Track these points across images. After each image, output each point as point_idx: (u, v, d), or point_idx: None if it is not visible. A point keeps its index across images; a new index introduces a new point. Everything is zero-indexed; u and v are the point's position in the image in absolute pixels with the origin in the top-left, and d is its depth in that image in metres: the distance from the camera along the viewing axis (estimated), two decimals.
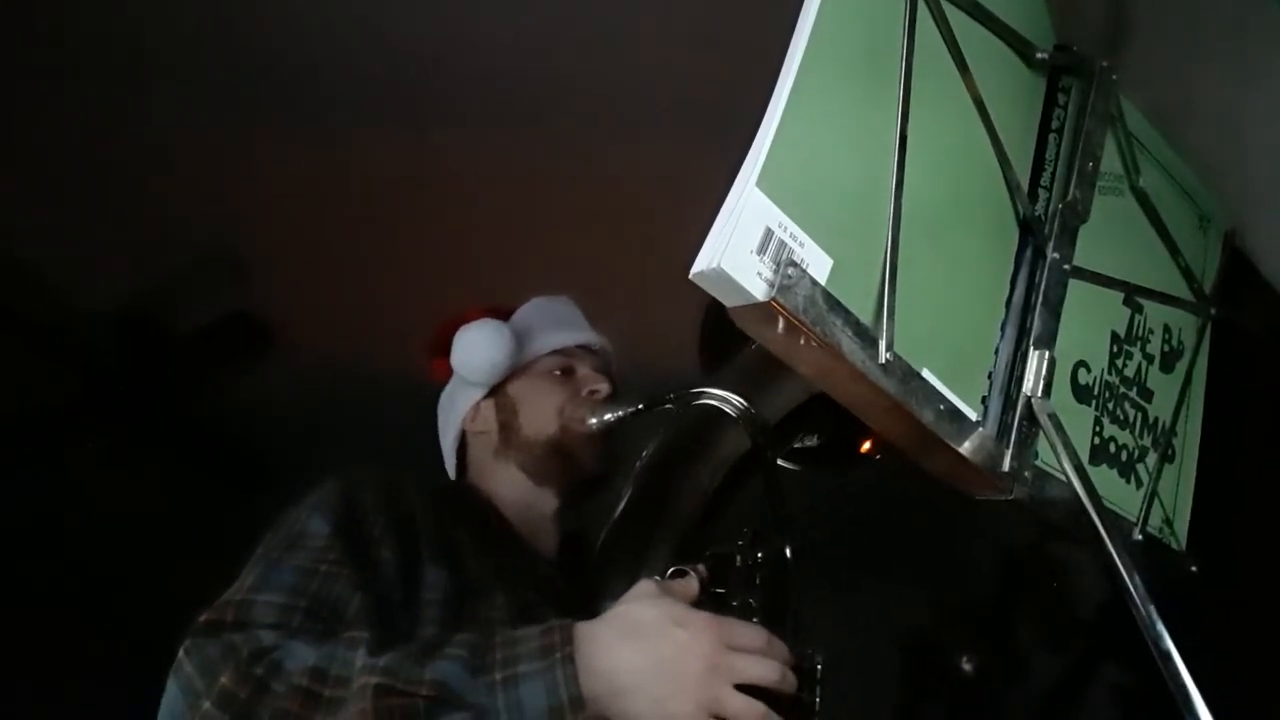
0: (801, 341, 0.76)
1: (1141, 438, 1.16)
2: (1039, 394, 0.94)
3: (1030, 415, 0.94)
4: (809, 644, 1.00)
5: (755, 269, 0.72)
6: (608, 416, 1.20)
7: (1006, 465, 0.93)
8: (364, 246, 2.35)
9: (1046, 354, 0.95)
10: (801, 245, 0.75)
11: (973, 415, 0.91)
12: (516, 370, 1.29)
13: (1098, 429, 1.10)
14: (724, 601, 0.99)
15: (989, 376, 0.95)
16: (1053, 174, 1.02)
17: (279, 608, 0.88)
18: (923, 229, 0.85)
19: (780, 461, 1.20)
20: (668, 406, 1.14)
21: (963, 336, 0.93)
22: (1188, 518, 1.23)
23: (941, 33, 0.88)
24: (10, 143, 2.09)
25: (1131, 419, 1.15)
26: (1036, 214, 0.99)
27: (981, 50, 0.92)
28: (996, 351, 0.96)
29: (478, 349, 1.26)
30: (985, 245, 0.96)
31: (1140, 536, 1.13)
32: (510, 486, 1.24)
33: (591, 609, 0.89)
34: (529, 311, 1.37)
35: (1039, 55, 0.99)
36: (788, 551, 1.03)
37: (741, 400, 1.07)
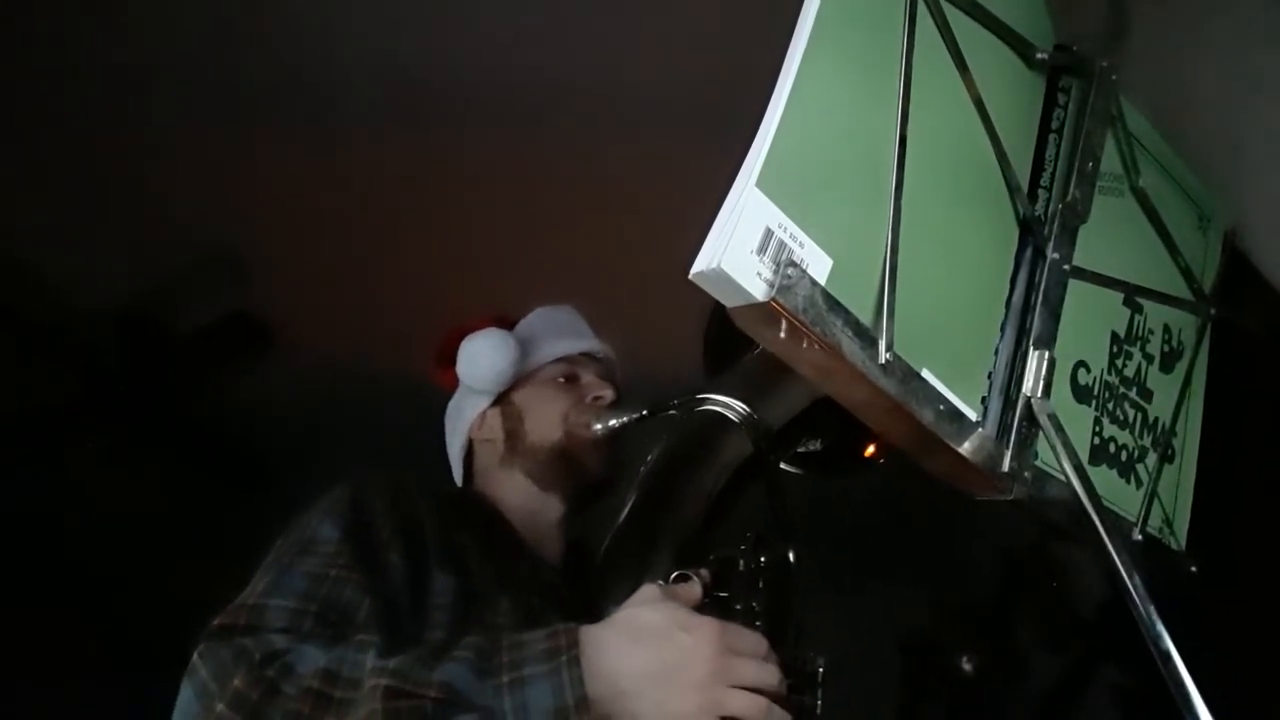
0: (802, 342, 0.76)
1: (1141, 438, 1.16)
2: (1039, 394, 0.94)
3: (1030, 415, 0.94)
4: (811, 647, 1.01)
5: (755, 269, 0.72)
6: (612, 422, 1.22)
7: (1006, 465, 0.93)
8: (364, 246, 2.36)
9: (1046, 354, 0.95)
10: (801, 245, 0.75)
11: (973, 415, 0.91)
12: (522, 378, 1.31)
13: (1097, 429, 1.10)
14: (727, 605, 0.99)
15: (989, 377, 0.95)
16: (1053, 174, 1.01)
17: (290, 612, 0.90)
18: (922, 229, 0.85)
19: (784, 465, 1.21)
20: (671, 412, 1.15)
21: (963, 337, 0.93)
22: (1187, 518, 1.23)
23: (941, 33, 0.88)
24: (10, 143, 2.09)
25: (1131, 419, 1.15)
26: (1036, 214, 0.98)
27: (981, 50, 0.92)
28: (996, 352, 0.96)
29: (482, 358, 1.28)
30: (985, 245, 0.96)
31: (1140, 536, 1.13)
32: (516, 493, 1.26)
33: (595, 613, 0.89)
34: (533, 320, 1.38)
35: (1039, 55, 0.99)
36: (791, 555, 1.04)
37: (744, 406, 1.08)
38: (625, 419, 1.21)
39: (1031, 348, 0.95)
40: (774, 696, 0.86)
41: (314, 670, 0.83)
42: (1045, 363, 0.95)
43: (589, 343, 1.37)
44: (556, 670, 0.80)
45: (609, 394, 1.29)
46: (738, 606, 1.00)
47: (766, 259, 0.73)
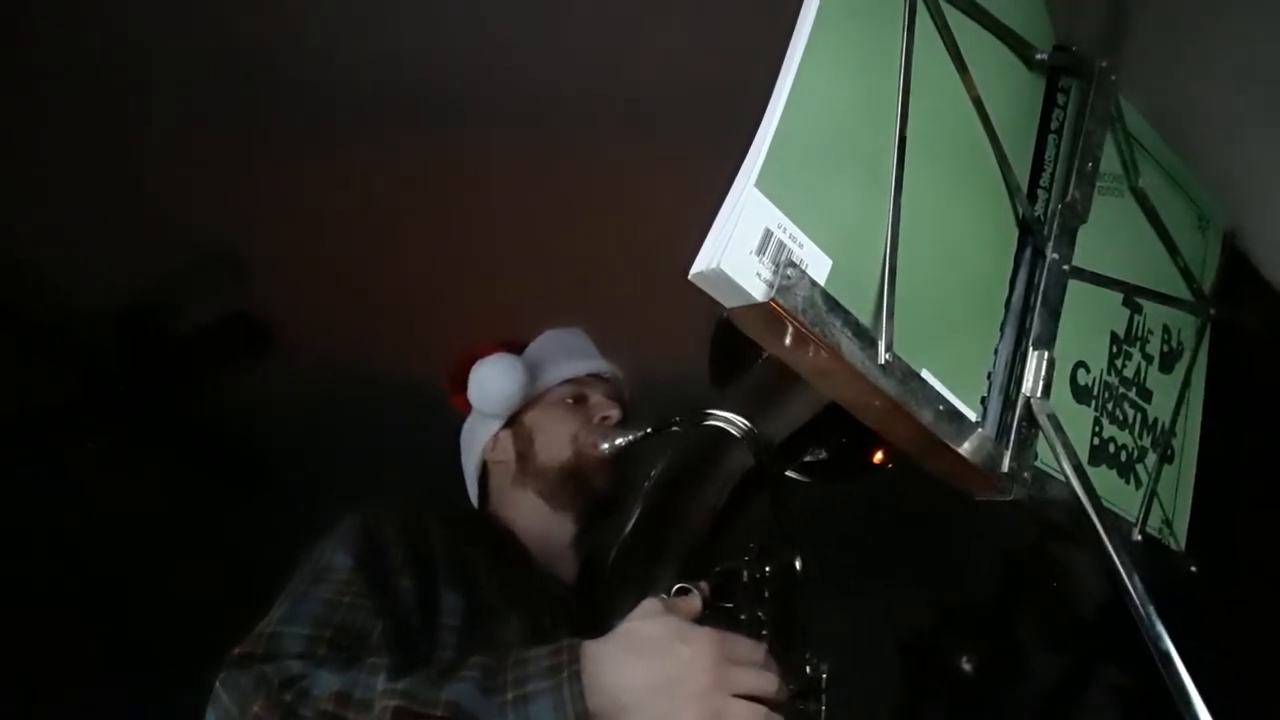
0: (801, 343, 0.76)
1: (1141, 438, 1.16)
2: (1038, 394, 0.94)
3: (1029, 416, 0.94)
4: (815, 652, 1.01)
5: (754, 269, 0.72)
6: (619, 441, 1.24)
7: (1006, 466, 0.93)
8: (364, 246, 2.36)
9: (1046, 354, 0.95)
10: (801, 246, 0.75)
11: (972, 416, 0.91)
12: (531, 401, 1.34)
13: (1097, 429, 1.10)
14: (732, 616, 1.00)
15: (988, 377, 0.95)
16: (1052, 174, 1.01)
17: (306, 638, 0.94)
18: (922, 229, 0.85)
19: (790, 474, 1.22)
20: (675, 429, 1.16)
21: (962, 337, 0.93)
22: (1187, 518, 1.23)
23: (940, 33, 0.88)
24: (10, 143, 2.09)
25: (1131, 419, 1.15)
26: (1036, 214, 0.98)
27: (981, 51, 0.92)
28: (996, 352, 0.96)
29: (491, 383, 1.31)
30: (985, 246, 0.96)
31: (1140, 537, 1.13)
32: (530, 514, 1.29)
33: (604, 629, 0.91)
34: (542, 343, 1.42)
35: (1038, 56, 0.99)
36: (797, 564, 1.04)
37: (745, 421, 1.09)
38: (631, 437, 1.23)
39: (1031, 348, 0.95)
40: (774, 703, 0.87)
41: (328, 693, 0.86)
42: (1045, 363, 0.95)
43: (596, 364, 1.40)
44: (558, 686, 0.82)
45: (615, 413, 1.32)
46: (742, 617, 1.01)
47: (766, 259, 0.73)
